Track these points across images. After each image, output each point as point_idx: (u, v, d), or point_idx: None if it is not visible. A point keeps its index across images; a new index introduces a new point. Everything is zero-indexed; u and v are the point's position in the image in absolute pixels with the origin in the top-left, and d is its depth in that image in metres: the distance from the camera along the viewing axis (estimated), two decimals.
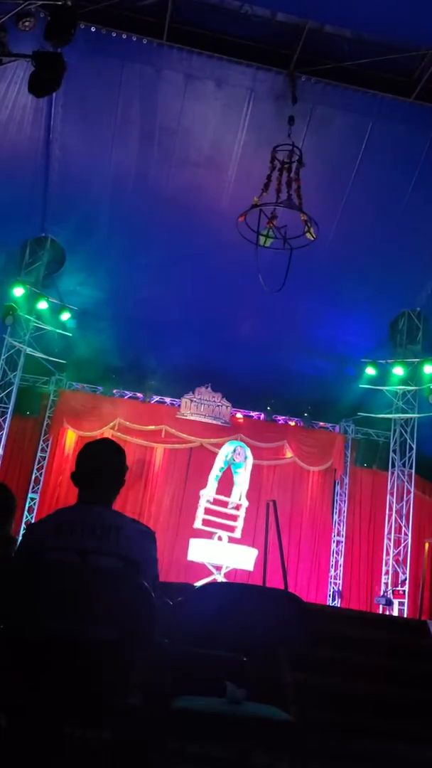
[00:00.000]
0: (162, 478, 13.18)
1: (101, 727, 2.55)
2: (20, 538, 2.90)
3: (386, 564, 12.42)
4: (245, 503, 11.31)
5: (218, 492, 11.56)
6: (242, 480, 11.69)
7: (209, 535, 10.83)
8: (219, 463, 11.73)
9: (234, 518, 11.07)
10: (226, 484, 11.67)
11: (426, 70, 9.43)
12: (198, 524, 10.96)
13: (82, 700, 2.47)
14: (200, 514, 11.02)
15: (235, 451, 11.87)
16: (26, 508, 12.78)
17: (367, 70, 9.58)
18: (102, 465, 2.86)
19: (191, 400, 13.00)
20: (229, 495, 11.64)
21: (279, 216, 8.43)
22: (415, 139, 10.02)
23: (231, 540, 10.79)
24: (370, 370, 12.55)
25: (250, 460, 11.91)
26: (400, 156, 10.17)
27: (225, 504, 11.21)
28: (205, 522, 10.96)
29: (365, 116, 9.87)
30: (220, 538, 10.74)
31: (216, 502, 11.19)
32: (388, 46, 9.31)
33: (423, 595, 11.26)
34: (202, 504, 11.10)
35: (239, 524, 11.01)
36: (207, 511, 11.07)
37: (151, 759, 2.47)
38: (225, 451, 11.94)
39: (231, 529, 10.92)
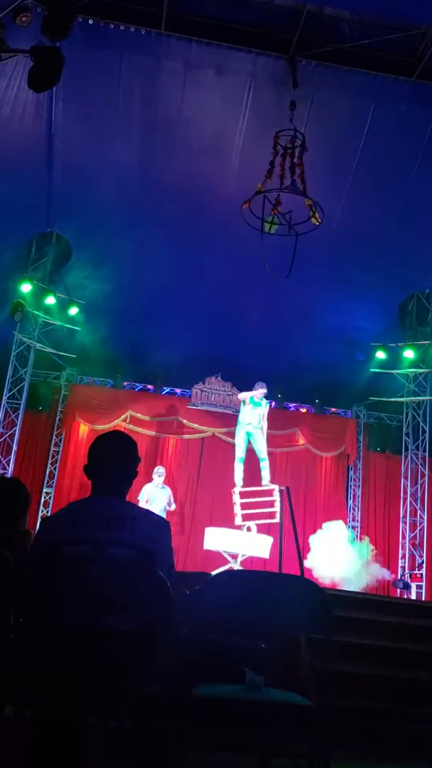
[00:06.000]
0: (175, 468, 13.21)
1: (123, 717, 2.57)
2: (36, 532, 2.92)
3: (403, 548, 12.42)
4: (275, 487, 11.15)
5: (245, 478, 11.45)
6: (263, 442, 11.36)
7: (238, 527, 10.82)
8: (240, 446, 11.53)
9: (271, 504, 10.98)
10: (251, 473, 11.57)
11: (427, 48, 9.34)
12: (238, 521, 10.92)
13: (103, 691, 2.49)
14: (238, 511, 10.97)
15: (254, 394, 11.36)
16: (41, 502, 12.86)
17: (368, 51, 9.49)
18: (114, 457, 2.87)
19: (202, 390, 13.00)
20: (251, 483, 11.51)
21: (283, 202, 8.38)
22: (418, 118, 9.94)
23: (265, 527, 10.76)
24: (381, 354, 12.50)
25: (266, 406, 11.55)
26: (403, 136, 10.09)
27: (256, 494, 11.14)
28: (245, 517, 10.91)
29: (367, 98, 9.79)
30: (249, 529, 10.71)
31: (248, 494, 11.12)
32: (388, 26, 9.22)
33: None
34: (237, 500, 11.03)
35: (277, 509, 10.92)
36: (243, 506, 11.00)
37: (173, 746, 2.49)
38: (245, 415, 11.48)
39: (272, 515, 10.85)
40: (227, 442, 12.60)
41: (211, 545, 10.87)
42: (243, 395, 11.37)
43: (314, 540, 12.28)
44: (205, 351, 12.43)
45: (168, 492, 11.11)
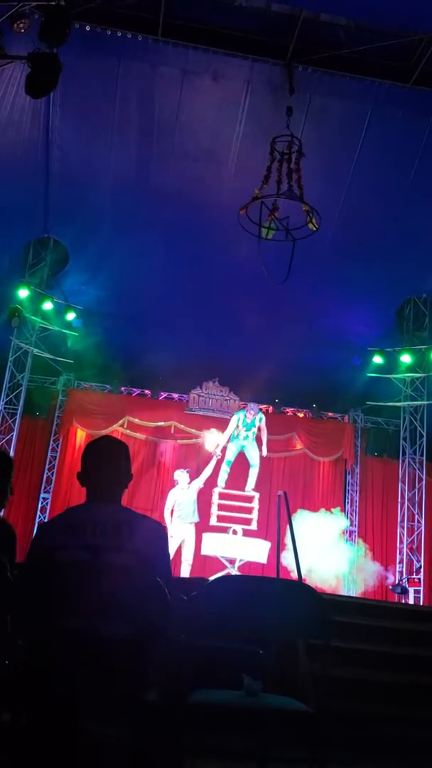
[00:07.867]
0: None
1: (119, 723, 2.56)
2: (33, 538, 2.91)
3: (400, 552, 12.41)
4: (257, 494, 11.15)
5: (230, 483, 11.44)
6: (257, 459, 11.33)
7: (224, 530, 10.79)
8: (231, 451, 11.54)
9: (249, 510, 10.98)
10: (237, 476, 11.57)
11: (423, 54, 9.36)
12: (213, 521, 10.90)
13: (100, 697, 2.48)
14: (214, 511, 10.96)
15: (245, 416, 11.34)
16: (39, 508, 12.84)
17: (364, 57, 9.52)
18: (104, 462, 2.86)
19: (199, 395, 13.01)
20: (237, 487, 11.50)
21: (280, 207, 8.40)
22: (414, 124, 9.96)
23: (246, 533, 10.73)
24: (378, 359, 12.52)
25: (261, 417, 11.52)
26: (400, 142, 10.11)
27: (237, 497, 11.15)
28: (220, 518, 10.90)
29: (364, 103, 9.81)
30: (234, 532, 10.70)
31: (228, 496, 11.12)
32: (384, 33, 9.25)
33: None
34: (215, 500, 11.03)
35: (254, 516, 10.92)
36: (221, 507, 11.00)
37: (170, 753, 2.48)
38: (232, 426, 11.46)
39: (248, 522, 10.84)
40: (225, 446, 12.59)
41: (209, 551, 10.85)
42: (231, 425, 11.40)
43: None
44: (202, 356, 12.43)
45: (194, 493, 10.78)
